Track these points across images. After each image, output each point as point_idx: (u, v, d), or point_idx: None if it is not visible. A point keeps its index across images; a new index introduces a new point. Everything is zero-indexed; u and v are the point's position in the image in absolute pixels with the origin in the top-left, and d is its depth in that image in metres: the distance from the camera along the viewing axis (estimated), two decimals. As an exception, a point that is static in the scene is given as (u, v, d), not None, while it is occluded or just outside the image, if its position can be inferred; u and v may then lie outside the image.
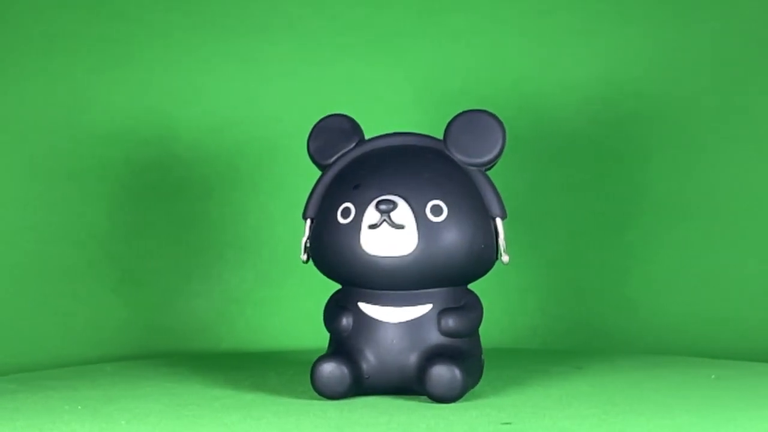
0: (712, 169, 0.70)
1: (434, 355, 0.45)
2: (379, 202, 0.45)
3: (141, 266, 0.68)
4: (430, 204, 0.46)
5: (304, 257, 0.48)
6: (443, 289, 0.47)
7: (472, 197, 0.47)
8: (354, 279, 0.46)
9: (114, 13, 0.68)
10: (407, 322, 0.46)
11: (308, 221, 0.48)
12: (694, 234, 0.70)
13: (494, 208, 0.48)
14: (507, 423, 0.40)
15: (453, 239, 0.46)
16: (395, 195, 0.45)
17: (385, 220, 0.45)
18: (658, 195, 0.70)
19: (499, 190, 0.71)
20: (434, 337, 0.46)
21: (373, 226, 0.45)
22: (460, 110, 0.49)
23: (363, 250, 0.45)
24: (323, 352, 0.47)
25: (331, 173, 0.49)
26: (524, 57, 0.71)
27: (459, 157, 0.48)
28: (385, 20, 0.70)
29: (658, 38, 0.71)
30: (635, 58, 0.71)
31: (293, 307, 0.68)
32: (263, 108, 0.69)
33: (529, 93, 0.71)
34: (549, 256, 0.70)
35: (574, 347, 0.67)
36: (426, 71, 0.71)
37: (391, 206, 0.45)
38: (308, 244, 0.48)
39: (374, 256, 0.45)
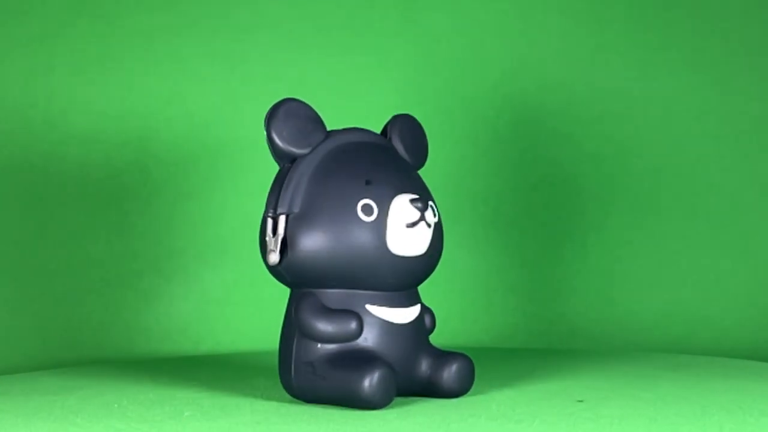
0: (690, 168, 0.71)
1: (441, 352, 0.45)
2: (414, 200, 0.43)
3: (121, 268, 0.67)
4: (430, 203, 0.45)
5: (276, 258, 0.44)
6: (416, 289, 0.47)
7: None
8: (368, 280, 0.44)
9: (94, 14, 0.68)
10: (411, 322, 0.45)
11: (282, 217, 0.44)
12: (673, 233, 0.70)
13: None
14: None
15: (441, 239, 0.46)
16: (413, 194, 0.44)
17: (423, 218, 0.44)
18: (637, 194, 0.71)
19: (480, 189, 0.72)
20: (426, 336, 0.46)
21: (411, 225, 0.43)
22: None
23: (388, 250, 0.43)
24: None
25: (310, 164, 0.45)
26: (504, 57, 0.71)
27: (405, 157, 0.47)
28: (367, 20, 0.71)
29: (639, 39, 0.72)
30: (614, 58, 0.71)
31: (273, 308, 0.68)
32: (244, 109, 0.69)
33: (508, 93, 0.71)
34: (528, 255, 0.71)
35: (554, 346, 0.68)
36: (407, 71, 0.71)
37: (425, 205, 0.44)
38: (279, 243, 0.44)
39: (397, 255, 0.43)
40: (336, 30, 0.70)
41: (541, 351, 0.65)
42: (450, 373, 0.45)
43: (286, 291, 0.47)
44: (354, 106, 0.69)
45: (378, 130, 0.48)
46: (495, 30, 0.71)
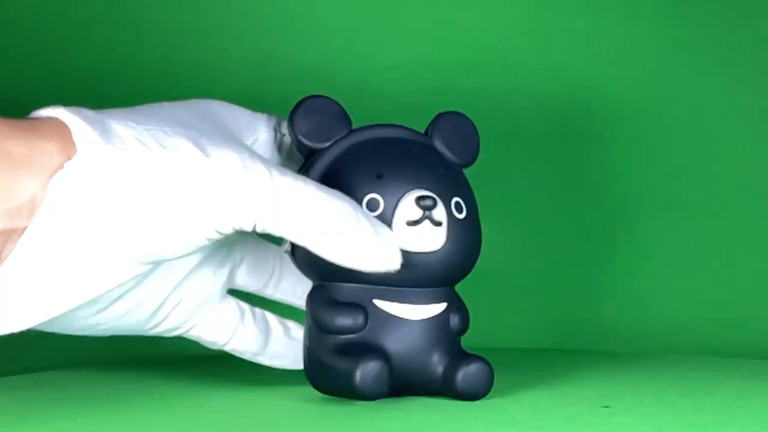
0: (720, 168, 0.70)
1: (462, 353, 0.45)
2: (420, 198, 0.43)
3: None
4: (454, 200, 0.45)
5: (288, 248, 0.45)
6: (451, 287, 0.47)
7: (472, 195, 0.47)
8: (373, 275, 0.43)
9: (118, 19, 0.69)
10: (427, 319, 0.45)
11: None
12: (704, 233, 0.69)
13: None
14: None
15: (473, 237, 0.46)
16: (427, 190, 0.44)
17: (427, 217, 0.43)
18: (667, 194, 0.70)
19: (509, 189, 0.72)
20: (450, 335, 0.46)
21: (412, 223, 0.43)
22: (468, 110, 0.49)
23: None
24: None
25: (326, 159, 0.46)
26: (532, 57, 0.71)
27: (447, 155, 0.47)
28: (396, 20, 0.71)
29: (668, 38, 0.71)
30: (643, 57, 0.71)
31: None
32: (274, 107, 0.69)
33: (536, 92, 0.71)
34: (557, 255, 0.70)
35: (583, 347, 0.67)
36: (435, 71, 0.71)
37: (433, 203, 0.43)
38: None
39: (405, 251, 0.43)
40: (365, 29, 0.70)
41: (570, 352, 0.64)
42: (465, 374, 0.44)
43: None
44: (381, 106, 0.69)
45: (410, 124, 0.48)
46: (523, 29, 0.71)
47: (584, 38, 0.71)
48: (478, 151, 0.48)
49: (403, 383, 0.44)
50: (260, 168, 0.41)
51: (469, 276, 0.48)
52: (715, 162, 0.70)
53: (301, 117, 0.46)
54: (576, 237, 0.71)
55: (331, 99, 0.47)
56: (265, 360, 0.50)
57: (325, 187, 0.42)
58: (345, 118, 0.46)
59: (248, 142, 0.48)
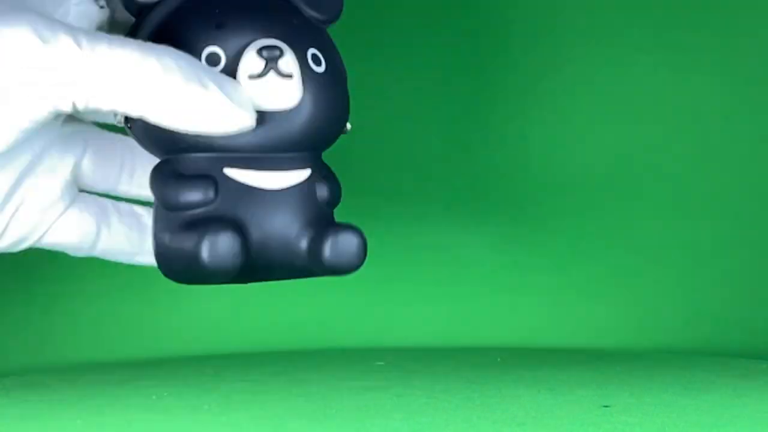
0: (720, 169, 0.70)
1: (330, 224, 0.40)
2: (263, 48, 0.37)
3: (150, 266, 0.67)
4: (310, 52, 0.39)
5: (121, 119, 0.39)
6: (316, 153, 0.41)
7: (336, 52, 0.41)
8: (218, 140, 0.38)
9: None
10: (288, 188, 0.39)
11: None
12: (703, 233, 0.70)
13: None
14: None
15: (336, 94, 0.40)
16: (275, 40, 0.38)
17: (272, 68, 0.37)
18: (666, 195, 0.70)
19: (507, 189, 0.72)
20: (317, 207, 0.40)
21: (256, 76, 0.37)
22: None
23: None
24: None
25: (158, 14, 0.39)
26: (530, 56, 0.71)
27: (305, 10, 0.40)
28: (394, 20, 0.71)
29: (668, 39, 0.71)
30: (643, 57, 0.71)
31: (305, 305, 0.68)
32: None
33: (535, 93, 0.70)
34: (555, 255, 0.70)
35: (581, 346, 0.68)
36: (431, 69, 0.70)
37: (278, 53, 0.37)
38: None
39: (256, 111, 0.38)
40: (362, 28, 0.70)
41: (568, 351, 0.64)
42: (332, 244, 0.39)
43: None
44: (381, 105, 0.69)
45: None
46: (521, 28, 0.71)
47: (583, 38, 0.71)
48: (341, 7, 0.41)
49: (263, 261, 0.39)
50: (62, 37, 0.36)
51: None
52: (714, 163, 0.70)
53: None
54: (574, 237, 0.71)
55: None
56: (144, 259, 0.44)
57: (151, 45, 0.36)
58: None
59: (56, 17, 0.40)
